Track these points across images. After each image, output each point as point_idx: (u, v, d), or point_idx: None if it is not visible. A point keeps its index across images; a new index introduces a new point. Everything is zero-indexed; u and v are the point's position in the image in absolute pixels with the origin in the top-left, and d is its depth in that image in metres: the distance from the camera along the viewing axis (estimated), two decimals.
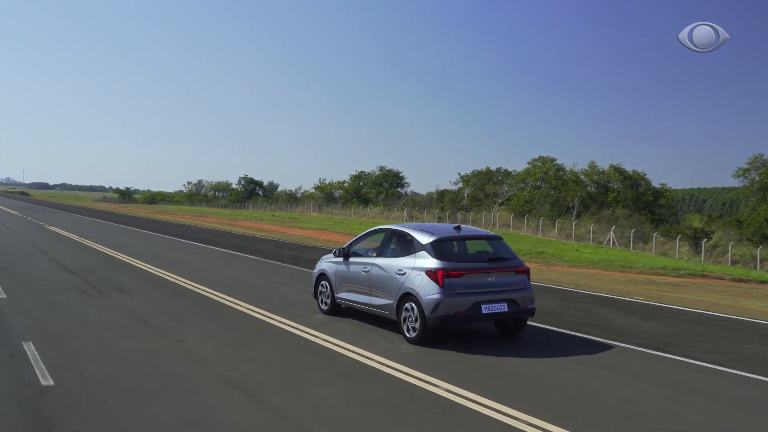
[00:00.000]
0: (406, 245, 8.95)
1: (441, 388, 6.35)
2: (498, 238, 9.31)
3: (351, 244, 10.05)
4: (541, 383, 6.80)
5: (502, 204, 62.78)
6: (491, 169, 72.27)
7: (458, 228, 9.14)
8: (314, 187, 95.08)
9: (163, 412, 5.56)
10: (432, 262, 8.32)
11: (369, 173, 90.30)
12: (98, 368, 6.82)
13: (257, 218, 58.91)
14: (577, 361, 7.79)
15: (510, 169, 71.43)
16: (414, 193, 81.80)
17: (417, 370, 6.95)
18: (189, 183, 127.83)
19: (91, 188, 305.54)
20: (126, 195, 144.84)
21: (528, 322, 9.26)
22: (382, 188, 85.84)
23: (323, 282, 10.35)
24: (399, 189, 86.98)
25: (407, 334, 8.42)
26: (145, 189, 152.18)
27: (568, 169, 64.54)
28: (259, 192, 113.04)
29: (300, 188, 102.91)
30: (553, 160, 66.15)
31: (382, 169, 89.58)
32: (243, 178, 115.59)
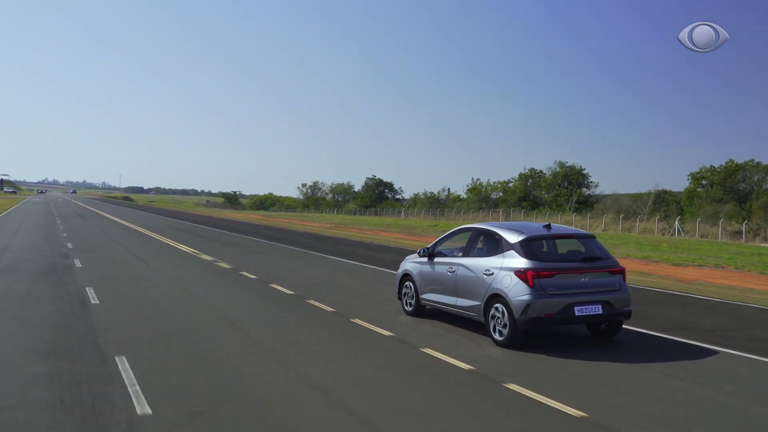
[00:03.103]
0: (493, 244, 8.68)
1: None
2: (590, 237, 8.86)
3: (436, 244, 9.87)
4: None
5: None
6: (736, 162, 55.47)
7: (548, 226, 8.79)
8: (467, 189, 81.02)
9: None
10: (521, 262, 8.02)
11: (543, 172, 73.88)
12: None
13: None
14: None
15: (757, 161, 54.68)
16: (616, 195, 65.44)
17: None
18: (304, 185, 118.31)
19: (184, 192, 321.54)
20: (232, 199, 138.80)
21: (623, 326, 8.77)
22: (562, 189, 69.97)
23: (407, 283, 10.23)
24: (584, 189, 70.17)
25: (496, 337, 8.15)
26: (231, 191, 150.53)
27: None
28: (389, 195, 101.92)
29: (444, 190, 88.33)
30: None
31: (562, 165, 71.64)
32: (370, 179, 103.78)
